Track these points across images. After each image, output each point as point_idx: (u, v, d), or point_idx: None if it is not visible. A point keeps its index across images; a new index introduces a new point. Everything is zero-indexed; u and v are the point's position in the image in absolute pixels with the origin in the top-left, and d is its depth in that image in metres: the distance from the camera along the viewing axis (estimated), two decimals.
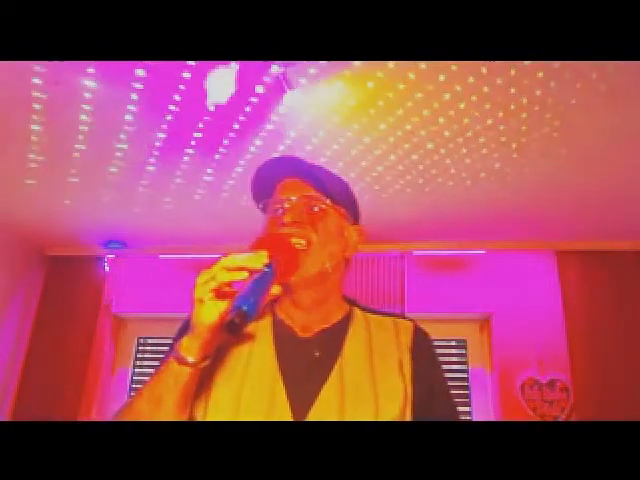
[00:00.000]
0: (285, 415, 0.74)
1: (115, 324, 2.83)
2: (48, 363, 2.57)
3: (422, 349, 0.84)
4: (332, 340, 0.82)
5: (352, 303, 0.91)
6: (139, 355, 2.82)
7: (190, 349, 0.69)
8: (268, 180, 0.85)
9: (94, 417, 2.62)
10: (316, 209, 0.82)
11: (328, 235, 0.81)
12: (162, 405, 0.71)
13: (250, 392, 0.76)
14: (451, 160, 1.85)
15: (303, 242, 0.79)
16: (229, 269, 0.65)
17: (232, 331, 0.59)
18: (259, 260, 0.66)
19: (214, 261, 0.66)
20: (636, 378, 2.24)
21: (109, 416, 2.78)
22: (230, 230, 2.49)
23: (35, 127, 1.68)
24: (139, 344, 2.84)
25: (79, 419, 2.49)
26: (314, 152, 1.82)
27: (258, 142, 1.77)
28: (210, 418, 0.76)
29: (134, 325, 2.87)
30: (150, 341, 2.85)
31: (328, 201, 0.82)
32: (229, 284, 0.66)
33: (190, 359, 0.69)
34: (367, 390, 0.76)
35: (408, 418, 0.77)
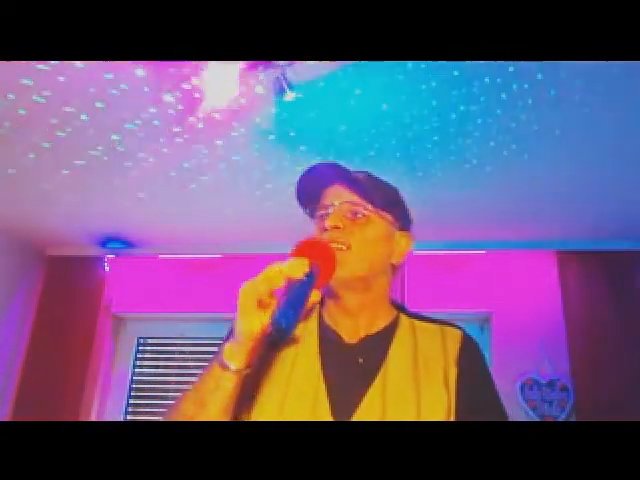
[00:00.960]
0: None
1: (115, 324, 2.83)
2: (48, 363, 2.57)
3: (469, 359, 0.82)
4: (377, 347, 0.81)
5: (400, 309, 0.90)
6: (139, 355, 2.82)
7: (233, 356, 0.70)
8: (314, 186, 0.85)
9: (94, 417, 2.62)
10: (359, 215, 0.82)
11: (370, 241, 0.81)
12: (205, 408, 0.72)
13: (293, 399, 0.77)
14: (452, 159, 1.85)
15: (343, 247, 0.79)
16: (270, 279, 0.66)
17: (272, 344, 0.62)
18: (300, 268, 0.66)
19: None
20: (636, 378, 2.24)
21: (109, 416, 2.78)
22: (231, 230, 2.49)
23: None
24: (139, 344, 2.84)
25: (79, 419, 2.49)
26: (317, 151, 1.82)
27: (257, 142, 1.78)
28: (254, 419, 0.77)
29: (134, 325, 2.87)
30: (150, 341, 2.85)
31: (371, 207, 0.82)
32: (270, 294, 0.66)
33: (232, 366, 0.69)
34: (410, 399, 0.75)
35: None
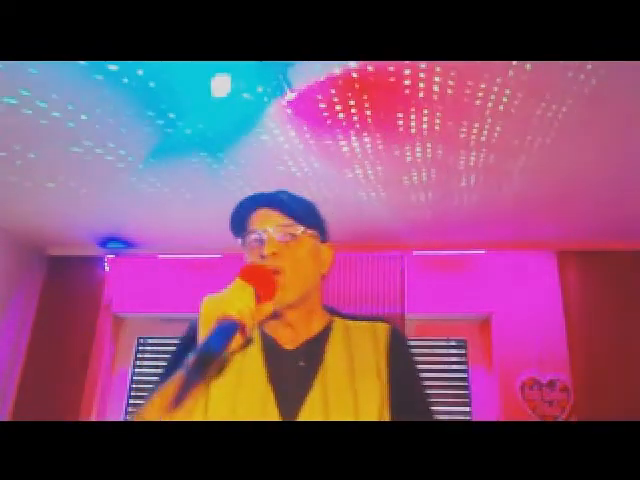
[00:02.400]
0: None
1: (115, 324, 2.83)
2: (48, 363, 2.57)
3: (398, 351, 0.89)
4: (315, 350, 0.88)
5: (332, 312, 0.96)
6: (139, 355, 2.83)
7: None
8: (243, 214, 0.91)
9: (94, 417, 2.62)
10: (291, 238, 0.88)
11: (303, 261, 0.87)
12: (173, 414, 0.75)
13: (243, 403, 0.83)
14: (452, 160, 1.85)
15: (280, 272, 0.85)
16: (228, 303, 0.74)
17: (201, 363, 0.69)
18: (244, 296, 0.75)
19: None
20: (636, 378, 2.24)
21: (109, 416, 2.79)
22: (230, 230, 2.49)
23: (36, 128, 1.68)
24: (139, 344, 2.85)
25: (79, 419, 2.49)
26: (315, 150, 1.82)
27: (258, 142, 1.78)
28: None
29: (134, 325, 2.87)
30: (150, 341, 2.85)
31: (301, 229, 0.88)
32: (226, 316, 0.73)
33: None
34: (348, 394, 0.83)
35: (386, 419, 0.82)
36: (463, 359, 2.60)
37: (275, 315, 0.87)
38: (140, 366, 2.81)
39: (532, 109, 1.55)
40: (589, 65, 1.35)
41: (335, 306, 0.97)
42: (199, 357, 0.68)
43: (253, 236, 0.89)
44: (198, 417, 0.81)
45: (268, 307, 0.80)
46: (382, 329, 0.91)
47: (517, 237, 2.52)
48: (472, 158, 1.83)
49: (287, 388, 0.83)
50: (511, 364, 2.43)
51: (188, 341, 0.87)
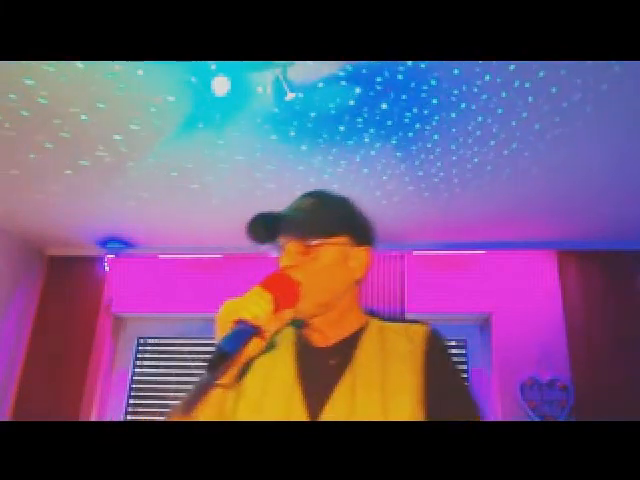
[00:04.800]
0: (301, 417, 0.82)
1: (115, 324, 2.82)
2: (48, 363, 2.57)
3: (435, 353, 0.87)
4: (346, 349, 0.88)
5: (370, 314, 0.97)
6: (139, 355, 2.82)
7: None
8: (271, 227, 0.92)
9: (94, 417, 2.62)
10: (309, 248, 0.88)
11: (322, 273, 0.87)
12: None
13: (271, 396, 0.85)
14: (452, 159, 1.85)
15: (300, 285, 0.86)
16: (245, 307, 0.76)
17: (213, 365, 0.70)
18: (261, 302, 0.77)
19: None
20: (636, 378, 2.24)
21: (109, 416, 2.78)
22: (231, 230, 2.49)
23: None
24: (139, 344, 2.84)
25: (79, 419, 2.49)
26: (318, 150, 1.82)
27: (259, 142, 1.78)
28: (239, 417, 0.85)
29: (134, 325, 2.87)
30: (150, 341, 2.85)
31: (321, 240, 0.87)
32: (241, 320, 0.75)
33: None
34: (376, 393, 0.82)
35: (420, 419, 0.80)
36: (463, 359, 2.60)
37: (301, 323, 0.90)
38: (140, 366, 2.80)
39: (534, 108, 1.55)
40: (592, 65, 1.35)
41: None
42: (212, 358, 0.69)
43: (276, 245, 0.92)
44: (228, 411, 0.84)
45: (288, 314, 0.81)
46: (419, 331, 0.90)
47: (517, 237, 2.52)
48: (473, 157, 1.83)
49: (315, 385, 0.85)
50: (511, 364, 2.43)
51: None
